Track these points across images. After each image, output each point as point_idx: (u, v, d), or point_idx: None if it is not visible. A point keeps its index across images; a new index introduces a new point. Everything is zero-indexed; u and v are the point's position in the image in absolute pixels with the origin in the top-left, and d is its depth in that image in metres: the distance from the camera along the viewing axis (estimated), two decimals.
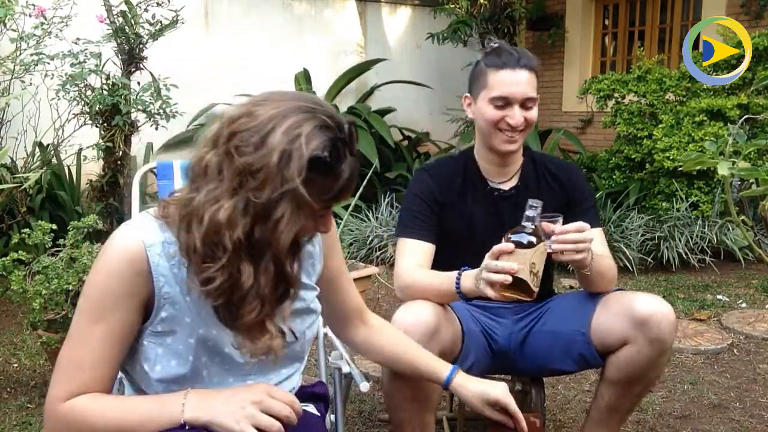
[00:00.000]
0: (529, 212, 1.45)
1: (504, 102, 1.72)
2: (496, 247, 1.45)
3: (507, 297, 1.45)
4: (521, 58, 1.72)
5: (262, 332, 1.07)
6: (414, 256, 1.74)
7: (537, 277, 1.44)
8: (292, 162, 0.98)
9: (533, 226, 1.44)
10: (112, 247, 1.09)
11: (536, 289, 1.44)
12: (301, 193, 0.99)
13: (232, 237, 0.99)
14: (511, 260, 1.42)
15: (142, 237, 1.08)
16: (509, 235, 1.45)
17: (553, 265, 1.85)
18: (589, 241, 1.56)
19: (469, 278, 1.57)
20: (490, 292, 1.45)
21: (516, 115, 1.72)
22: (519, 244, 1.43)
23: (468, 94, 1.83)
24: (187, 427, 1.03)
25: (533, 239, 1.43)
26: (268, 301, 1.05)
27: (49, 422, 1.09)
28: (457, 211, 1.82)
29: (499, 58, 1.74)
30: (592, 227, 1.80)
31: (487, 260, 1.46)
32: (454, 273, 1.61)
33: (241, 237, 0.99)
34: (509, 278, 1.41)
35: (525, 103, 1.73)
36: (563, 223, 1.56)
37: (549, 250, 1.52)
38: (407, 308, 1.62)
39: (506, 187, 1.85)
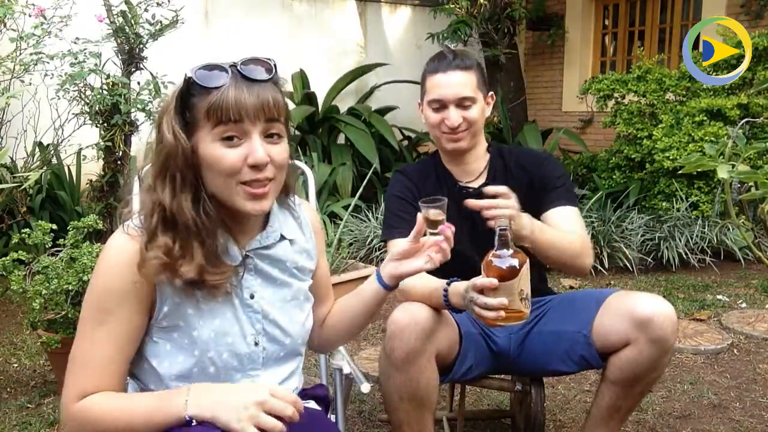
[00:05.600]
0: (502, 235, 1.40)
1: (439, 104, 1.78)
2: (479, 282, 1.42)
3: (501, 326, 1.45)
4: (454, 60, 1.77)
5: None
6: None
7: (527, 299, 1.42)
8: (171, 96, 1.14)
9: (510, 250, 1.40)
10: (110, 249, 1.14)
11: (528, 310, 1.42)
12: (171, 118, 1.11)
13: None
14: (499, 294, 1.39)
15: (137, 237, 1.13)
16: (491, 259, 1.41)
17: (545, 266, 1.85)
18: (503, 202, 1.54)
19: (457, 295, 1.55)
20: (483, 321, 1.45)
21: (452, 116, 1.77)
22: (502, 271, 1.39)
23: (419, 101, 1.89)
24: (194, 423, 1.05)
25: (515, 262, 1.39)
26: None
27: (66, 423, 1.13)
28: (425, 193, 1.83)
29: (434, 63, 1.80)
30: (564, 205, 1.81)
31: (473, 293, 1.44)
32: (443, 284, 1.61)
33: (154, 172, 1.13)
34: (503, 314, 1.40)
35: (461, 103, 1.77)
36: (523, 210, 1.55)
37: (490, 224, 1.49)
38: (404, 309, 1.62)
39: (475, 185, 1.86)
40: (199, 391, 1.08)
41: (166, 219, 1.11)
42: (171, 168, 1.10)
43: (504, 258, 1.39)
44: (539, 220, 1.81)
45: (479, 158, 1.88)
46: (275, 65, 1.14)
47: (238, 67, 1.11)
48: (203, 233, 1.12)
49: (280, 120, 1.13)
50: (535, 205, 1.82)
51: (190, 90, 1.11)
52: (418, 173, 1.91)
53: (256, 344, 1.22)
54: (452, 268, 1.64)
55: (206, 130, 1.10)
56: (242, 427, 1.03)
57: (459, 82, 1.76)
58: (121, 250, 1.12)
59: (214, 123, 1.09)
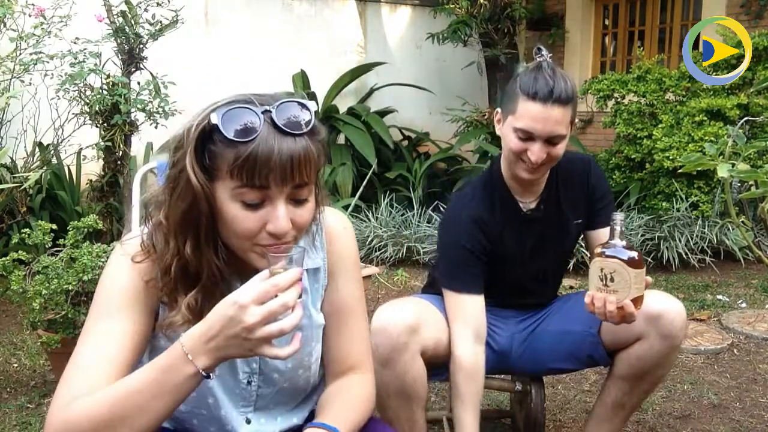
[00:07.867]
0: (616, 227, 1.41)
1: (527, 136, 1.61)
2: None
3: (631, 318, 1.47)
4: (555, 90, 1.57)
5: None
6: (472, 323, 1.69)
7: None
8: (191, 132, 0.99)
9: (625, 242, 1.42)
10: (118, 255, 1.08)
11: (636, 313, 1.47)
12: (193, 160, 0.97)
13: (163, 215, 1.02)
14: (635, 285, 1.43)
15: (143, 260, 1.07)
16: (602, 250, 1.42)
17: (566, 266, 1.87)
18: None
19: None
20: (616, 311, 1.46)
21: (536, 152, 1.60)
22: (635, 261, 1.41)
23: (499, 110, 1.73)
24: (212, 375, 0.96)
25: (634, 255, 1.40)
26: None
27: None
28: (491, 234, 1.76)
29: (533, 85, 1.59)
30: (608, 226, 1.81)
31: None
32: None
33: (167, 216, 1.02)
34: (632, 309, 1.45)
35: (551, 140, 1.61)
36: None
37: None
38: (387, 306, 1.64)
39: (532, 205, 1.78)
40: (194, 343, 0.93)
41: (187, 272, 1.02)
42: (195, 216, 0.98)
43: (619, 247, 1.42)
44: (586, 232, 1.83)
45: (544, 179, 1.78)
46: (315, 112, 1.01)
47: (273, 114, 0.96)
48: (223, 280, 1.05)
49: (311, 183, 1.00)
50: (583, 213, 1.81)
51: (212, 134, 0.97)
52: (486, 208, 1.75)
53: (249, 383, 1.14)
54: (508, 290, 1.71)
55: (226, 184, 0.97)
56: (258, 353, 0.93)
57: (555, 119, 1.58)
58: (124, 267, 1.06)
59: (237, 184, 0.96)
